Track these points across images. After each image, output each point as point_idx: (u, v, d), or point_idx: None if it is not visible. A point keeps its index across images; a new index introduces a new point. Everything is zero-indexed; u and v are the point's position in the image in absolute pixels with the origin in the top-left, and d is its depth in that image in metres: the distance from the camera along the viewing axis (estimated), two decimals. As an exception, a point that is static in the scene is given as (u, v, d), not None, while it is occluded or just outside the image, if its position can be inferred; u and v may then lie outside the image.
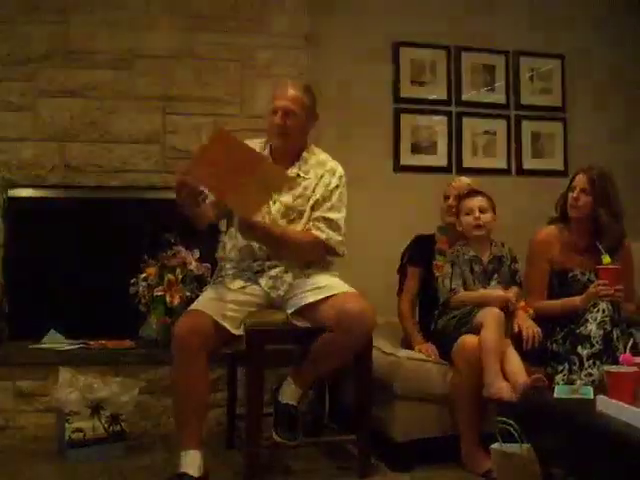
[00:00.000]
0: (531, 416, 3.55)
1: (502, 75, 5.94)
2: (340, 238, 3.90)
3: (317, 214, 3.89)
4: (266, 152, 3.97)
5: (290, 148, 3.96)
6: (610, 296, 3.98)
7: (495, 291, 4.21)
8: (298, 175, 3.93)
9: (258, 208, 3.62)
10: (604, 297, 3.99)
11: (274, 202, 3.87)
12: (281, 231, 3.81)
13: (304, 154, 3.99)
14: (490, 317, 4.00)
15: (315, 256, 3.91)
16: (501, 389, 3.78)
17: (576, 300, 4.14)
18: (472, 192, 4.41)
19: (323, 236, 3.85)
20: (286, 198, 3.90)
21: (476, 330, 4.01)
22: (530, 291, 4.38)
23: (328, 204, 3.90)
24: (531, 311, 4.21)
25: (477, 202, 4.33)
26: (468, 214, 4.32)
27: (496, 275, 4.32)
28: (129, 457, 4.18)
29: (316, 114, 4.00)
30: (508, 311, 4.11)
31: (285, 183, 3.73)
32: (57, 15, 4.98)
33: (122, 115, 5.02)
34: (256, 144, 3.97)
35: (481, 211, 4.31)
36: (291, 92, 3.90)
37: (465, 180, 4.67)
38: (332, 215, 3.89)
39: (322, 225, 3.87)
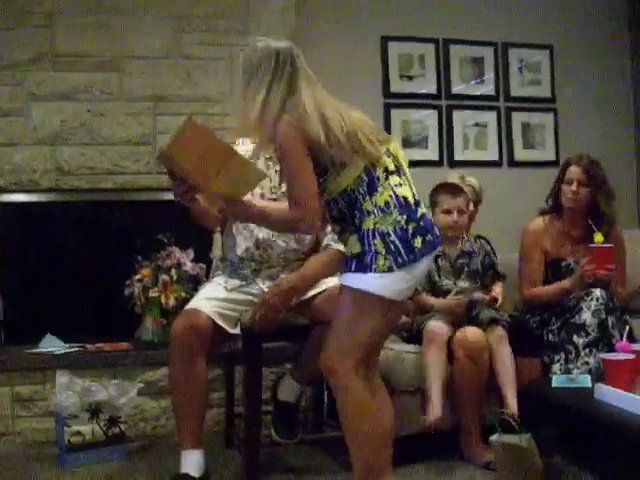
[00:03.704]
0: (530, 406, 3.56)
1: (491, 67, 5.94)
2: None
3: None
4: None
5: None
6: (596, 276, 4.02)
7: (450, 300, 4.17)
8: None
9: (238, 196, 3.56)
10: (590, 277, 4.03)
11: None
12: (262, 206, 3.76)
13: None
14: (427, 340, 4.04)
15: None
16: (433, 421, 3.88)
17: (566, 283, 4.18)
18: (455, 190, 4.38)
19: None
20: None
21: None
22: (525, 281, 4.40)
23: None
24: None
25: (458, 203, 4.30)
26: (446, 213, 4.29)
27: (465, 269, 4.31)
28: (129, 459, 4.19)
29: None
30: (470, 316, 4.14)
31: (257, 179, 3.66)
32: (44, 19, 4.96)
33: (112, 117, 5.00)
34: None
35: (459, 212, 4.30)
36: None
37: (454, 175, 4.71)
38: None
39: None
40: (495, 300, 4.17)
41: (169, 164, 3.16)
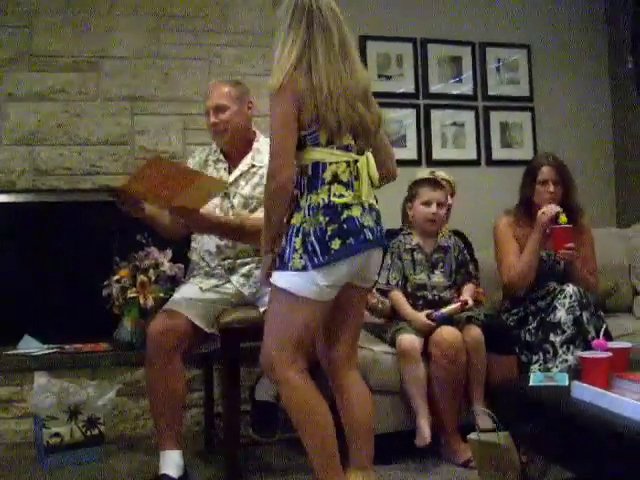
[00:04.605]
0: (508, 404, 3.57)
1: (469, 66, 5.95)
2: None
3: None
4: (218, 156, 4.03)
5: (237, 142, 3.97)
6: (557, 255, 4.22)
7: (420, 318, 4.13)
8: (253, 165, 3.94)
9: (198, 207, 3.63)
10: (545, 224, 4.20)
11: (233, 196, 3.90)
12: (226, 219, 3.82)
13: (255, 144, 4.00)
14: (401, 356, 4.05)
15: None
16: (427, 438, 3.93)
17: (533, 235, 4.28)
18: (435, 183, 4.40)
19: None
20: (245, 190, 3.92)
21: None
22: (504, 268, 4.41)
23: None
24: (483, 298, 4.39)
25: (437, 195, 4.31)
26: (425, 205, 4.30)
27: (441, 264, 4.32)
28: (108, 460, 4.18)
29: (248, 101, 3.98)
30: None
31: (221, 189, 3.76)
32: (21, 19, 4.94)
33: (90, 117, 4.99)
34: (203, 151, 4.12)
35: (438, 204, 4.31)
36: (217, 90, 3.94)
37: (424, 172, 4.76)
38: None
39: None
40: (465, 303, 4.18)
41: (123, 195, 3.51)
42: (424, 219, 4.28)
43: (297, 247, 2.93)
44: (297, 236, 2.94)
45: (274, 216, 3.01)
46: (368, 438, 3.19)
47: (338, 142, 2.99)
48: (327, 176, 2.97)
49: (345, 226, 2.93)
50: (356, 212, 2.98)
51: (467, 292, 4.28)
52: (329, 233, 2.91)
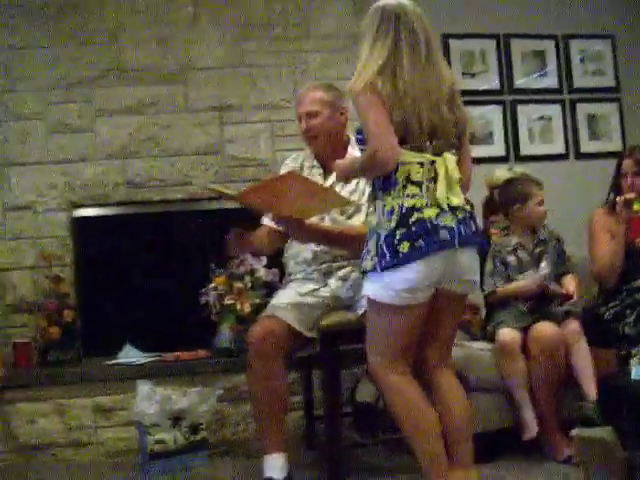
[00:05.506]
0: (610, 399, 3.53)
1: (553, 59, 5.90)
2: None
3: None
4: (312, 162, 4.00)
5: (331, 147, 3.90)
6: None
7: (532, 280, 4.15)
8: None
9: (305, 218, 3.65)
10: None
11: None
12: (327, 229, 3.80)
13: (350, 149, 3.92)
14: (501, 352, 4.04)
15: None
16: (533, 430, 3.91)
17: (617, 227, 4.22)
18: (538, 182, 4.38)
19: None
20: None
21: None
22: (597, 259, 4.36)
23: None
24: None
25: (543, 193, 4.32)
26: (539, 205, 4.29)
27: (546, 255, 4.28)
28: (212, 465, 4.24)
29: (341, 106, 3.87)
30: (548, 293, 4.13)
31: (342, 205, 3.75)
32: (107, 35, 5.07)
33: (179, 128, 5.08)
34: (296, 158, 4.08)
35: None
36: (308, 96, 3.89)
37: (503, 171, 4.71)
38: None
39: None
40: (570, 297, 4.15)
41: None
42: (539, 219, 4.30)
43: (371, 249, 2.97)
44: (372, 239, 2.98)
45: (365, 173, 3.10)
46: (467, 437, 3.18)
47: (411, 142, 2.97)
48: (400, 177, 2.96)
49: (414, 229, 2.91)
50: (429, 213, 2.94)
51: (570, 284, 4.25)
52: (397, 237, 2.90)
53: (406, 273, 2.91)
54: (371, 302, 3.03)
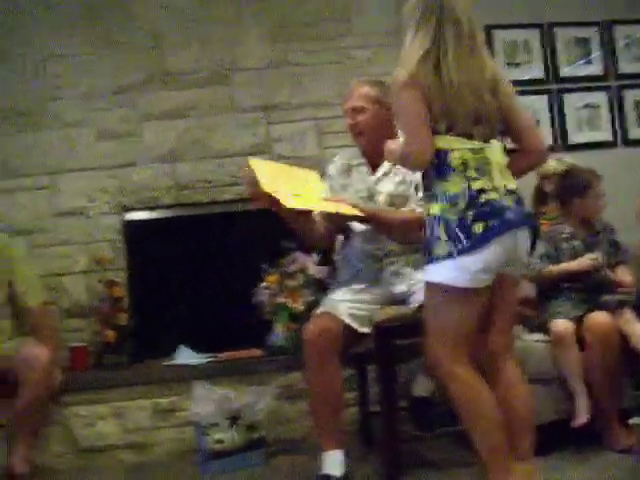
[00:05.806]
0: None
1: (597, 46, 5.85)
2: None
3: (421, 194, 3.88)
4: (359, 159, 4.01)
5: (376, 145, 3.77)
6: None
7: (585, 259, 4.14)
8: (395, 164, 3.89)
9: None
10: None
11: (378, 195, 3.90)
12: (387, 212, 3.82)
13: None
14: (555, 341, 4.01)
15: None
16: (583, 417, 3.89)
17: None
18: (598, 176, 4.35)
19: None
20: (388, 187, 3.90)
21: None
22: None
23: None
24: None
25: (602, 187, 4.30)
26: (598, 198, 4.27)
27: (596, 247, 4.26)
28: (270, 463, 4.26)
29: (388, 103, 3.78)
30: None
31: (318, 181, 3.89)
32: (150, 39, 5.11)
33: (225, 129, 5.12)
34: (343, 156, 4.10)
35: None
36: (356, 91, 3.91)
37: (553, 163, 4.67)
38: None
39: None
40: (623, 286, 4.13)
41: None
42: (597, 213, 4.30)
43: (441, 236, 2.93)
44: (439, 225, 2.94)
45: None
46: (529, 429, 3.17)
47: (458, 130, 2.97)
48: (454, 163, 2.95)
49: (486, 209, 2.91)
50: (494, 195, 2.94)
51: (625, 274, 4.22)
52: (470, 218, 2.89)
53: (481, 253, 2.90)
54: (439, 289, 2.98)
